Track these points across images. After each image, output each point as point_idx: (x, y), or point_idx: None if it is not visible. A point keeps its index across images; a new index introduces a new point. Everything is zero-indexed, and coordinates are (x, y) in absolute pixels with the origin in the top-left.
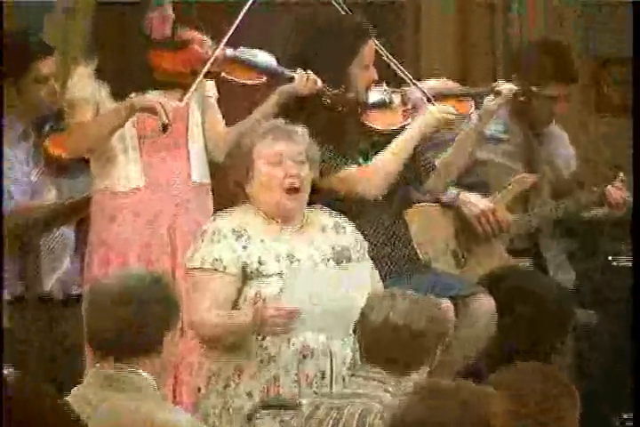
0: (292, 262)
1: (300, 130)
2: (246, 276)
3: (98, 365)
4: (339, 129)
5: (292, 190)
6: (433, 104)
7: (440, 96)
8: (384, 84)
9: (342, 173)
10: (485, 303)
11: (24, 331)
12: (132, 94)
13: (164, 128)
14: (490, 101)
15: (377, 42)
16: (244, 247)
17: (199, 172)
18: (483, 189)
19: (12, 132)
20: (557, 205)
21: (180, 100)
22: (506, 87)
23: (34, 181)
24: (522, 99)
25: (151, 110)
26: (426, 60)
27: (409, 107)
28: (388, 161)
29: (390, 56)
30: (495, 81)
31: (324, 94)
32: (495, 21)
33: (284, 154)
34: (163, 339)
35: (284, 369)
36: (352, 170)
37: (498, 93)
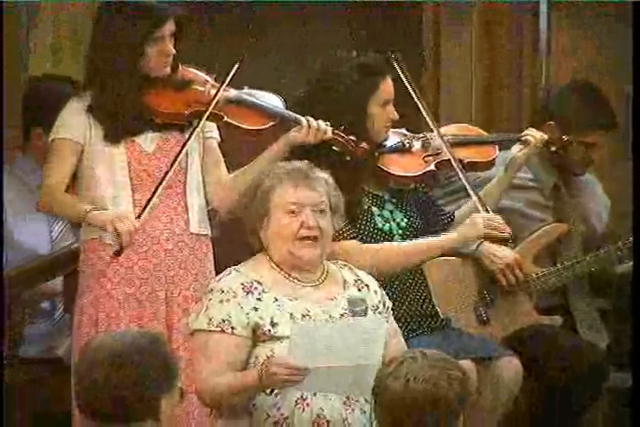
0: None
1: (324, 175)
2: (257, 337)
3: None
4: (349, 172)
5: (308, 239)
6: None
7: (462, 143)
8: (404, 129)
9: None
10: (510, 366)
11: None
12: (129, 136)
13: (117, 253)
14: (518, 151)
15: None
16: (256, 308)
17: (198, 222)
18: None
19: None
20: (588, 259)
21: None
22: (535, 136)
23: (55, 233)
24: (554, 148)
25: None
26: (445, 106)
27: (430, 153)
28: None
29: (416, 93)
30: (521, 127)
31: (335, 143)
32: (522, 63)
33: (303, 202)
34: (160, 403)
35: None
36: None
37: (526, 142)
